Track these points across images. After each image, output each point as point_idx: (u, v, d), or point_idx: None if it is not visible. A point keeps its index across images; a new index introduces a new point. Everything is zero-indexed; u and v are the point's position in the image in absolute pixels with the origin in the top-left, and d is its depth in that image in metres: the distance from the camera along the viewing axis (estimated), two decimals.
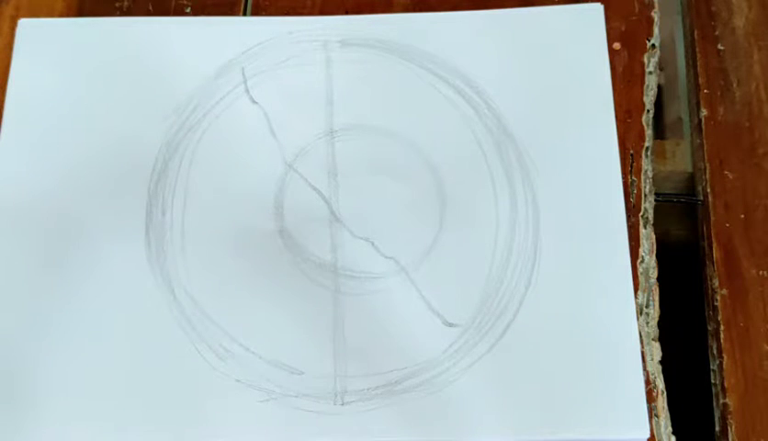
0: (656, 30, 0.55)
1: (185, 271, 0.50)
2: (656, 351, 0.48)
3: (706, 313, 0.50)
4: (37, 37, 0.56)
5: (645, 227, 0.50)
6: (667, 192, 0.54)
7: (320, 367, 0.48)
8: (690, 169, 0.55)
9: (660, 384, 0.47)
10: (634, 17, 0.55)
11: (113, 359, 0.48)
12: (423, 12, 0.56)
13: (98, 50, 0.56)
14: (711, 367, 0.49)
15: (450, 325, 0.48)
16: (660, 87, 0.57)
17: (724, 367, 0.48)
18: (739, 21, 0.56)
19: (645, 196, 0.51)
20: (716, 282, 0.50)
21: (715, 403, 0.48)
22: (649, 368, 0.47)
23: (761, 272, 0.50)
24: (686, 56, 0.58)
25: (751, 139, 0.53)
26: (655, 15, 0.56)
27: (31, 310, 0.49)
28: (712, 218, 0.51)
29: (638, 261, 0.50)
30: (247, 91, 0.54)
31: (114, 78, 0.55)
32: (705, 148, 0.53)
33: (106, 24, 0.56)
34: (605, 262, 0.49)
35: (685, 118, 0.59)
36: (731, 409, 0.47)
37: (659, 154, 0.56)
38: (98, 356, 0.48)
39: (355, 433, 0.46)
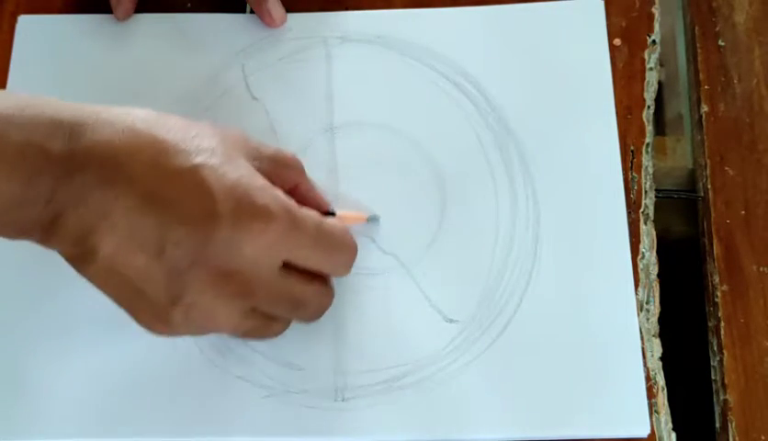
0: (656, 26, 0.55)
1: None
2: (656, 347, 0.48)
3: (707, 309, 0.50)
4: (36, 33, 0.56)
5: (645, 223, 0.50)
6: (667, 188, 0.54)
7: (320, 364, 0.48)
8: (690, 165, 0.55)
9: (661, 380, 0.47)
10: (634, 13, 0.55)
11: (114, 356, 0.48)
12: (422, 8, 0.56)
13: (98, 47, 0.56)
14: (711, 363, 0.49)
15: (450, 321, 0.48)
16: (660, 83, 0.57)
17: (724, 363, 0.48)
18: (739, 17, 0.56)
19: (645, 192, 0.51)
20: (716, 278, 0.50)
21: (715, 400, 0.48)
22: (649, 365, 0.47)
23: (761, 268, 0.50)
24: (687, 52, 0.57)
25: (752, 135, 0.53)
26: (656, 11, 0.55)
27: (32, 307, 0.49)
28: (712, 214, 0.51)
29: (639, 257, 0.50)
30: (248, 87, 0.54)
31: (113, 74, 0.55)
32: (705, 144, 0.53)
33: (105, 20, 0.56)
34: (606, 258, 0.49)
35: (686, 114, 0.59)
36: (731, 405, 0.47)
37: (659, 150, 0.56)
38: (100, 353, 0.48)
39: (355, 429, 0.46)
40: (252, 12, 0.56)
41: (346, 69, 0.54)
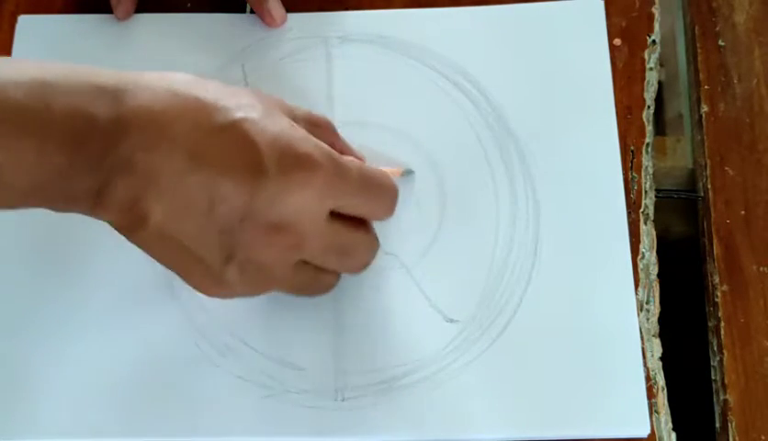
0: (656, 26, 0.55)
1: None
2: (656, 347, 0.48)
3: (707, 309, 0.50)
4: (36, 33, 0.56)
5: (645, 223, 0.50)
6: (667, 188, 0.54)
7: (320, 364, 0.48)
8: (690, 165, 0.55)
9: (661, 380, 0.47)
10: (634, 13, 0.55)
11: (114, 356, 0.48)
12: (423, 8, 0.56)
13: (98, 47, 0.56)
14: (711, 363, 0.49)
15: (450, 321, 0.48)
16: (660, 83, 0.57)
17: (724, 363, 0.48)
18: (739, 17, 0.56)
19: (645, 192, 0.51)
20: (716, 278, 0.50)
21: (715, 399, 0.48)
22: (649, 365, 0.47)
23: (761, 268, 0.50)
24: (687, 52, 0.58)
25: (752, 135, 0.53)
26: (656, 11, 0.55)
27: (32, 305, 0.49)
28: (712, 214, 0.51)
29: (639, 257, 0.50)
30: (247, 87, 0.54)
31: None
32: (705, 144, 0.53)
33: (105, 20, 0.56)
34: (606, 258, 0.49)
35: (686, 114, 0.59)
36: (731, 405, 0.47)
37: (659, 150, 0.56)
38: (99, 353, 0.48)
39: (355, 429, 0.46)
40: (252, 12, 0.56)
41: (346, 69, 0.55)
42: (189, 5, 0.57)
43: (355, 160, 0.43)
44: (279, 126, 0.40)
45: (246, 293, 0.43)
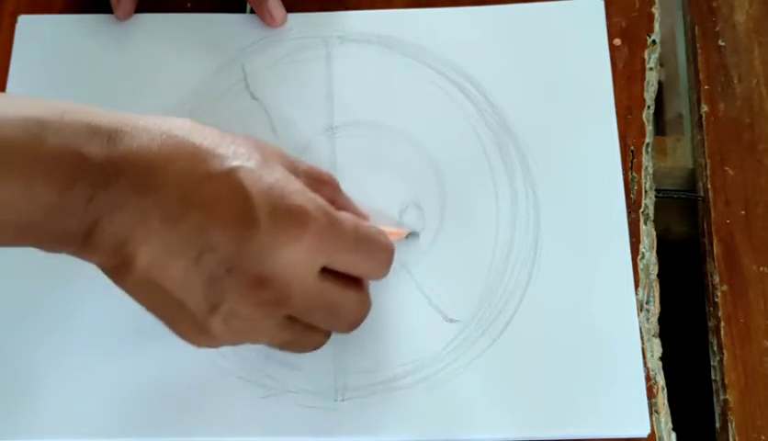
0: (656, 26, 0.55)
1: None
2: (656, 347, 0.48)
3: (707, 309, 0.50)
4: (36, 33, 0.56)
5: (645, 223, 0.50)
6: (667, 188, 0.54)
7: (320, 363, 0.48)
8: (690, 165, 0.55)
9: (661, 380, 0.47)
10: (634, 13, 0.55)
11: (114, 355, 0.48)
12: (422, 8, 0.56)
13: (98, 47, 0.56)
14: (711, 363, 0.49)
15: (451, 321, 0.48)
16: (660, 83, 0.57)
17: (724, 363, 0.48)
18: (739, 17, 0.56)
19: (645, 192, 0.51)
20: (716, 278, 0.50)
21: (715, 399, 0.48)
22: (649, 365, 0.47)
23: (761, 268, 0.50)
24: (687, 52, 0.58)
25: (752, 135, 0.53)
26: (656, 11, 0.55)
27: (32, 305, 0.49)
28: (712, 214, 0.51)
29: (639, 257, 0.50)
30: (247, 87, 0.54)
31: (113, 74, 0.55)
32: (705, 144, 0.53)
33: (105, 20, 0.56)
34: (606, 258, 0.49)
35: (686, 114, 0.59)
36: (732, 405, 0.47)
37: (659, 150, 0.56)
38: (99, 353, 0.48)
39: (354, 429, 0.46)
40: (252, 12, 0.56)
41: (346, 69, 0.54)
42: (189, 5, 0.57)
43: (351, 216, 0.42)
44: (274, 177, 0.39)
45: (230, 343, 0.42)
